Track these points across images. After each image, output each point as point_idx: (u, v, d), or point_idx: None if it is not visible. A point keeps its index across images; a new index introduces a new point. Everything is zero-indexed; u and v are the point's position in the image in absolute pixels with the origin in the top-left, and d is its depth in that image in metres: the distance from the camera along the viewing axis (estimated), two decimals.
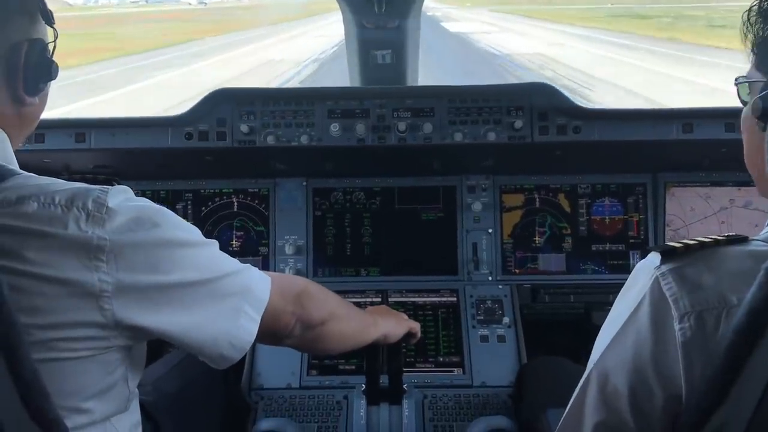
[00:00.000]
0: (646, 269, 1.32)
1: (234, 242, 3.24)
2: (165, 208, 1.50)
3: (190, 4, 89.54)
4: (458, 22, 51.91)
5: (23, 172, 1.46)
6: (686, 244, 1.28)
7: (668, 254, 1.28)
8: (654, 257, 1.31)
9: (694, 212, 3.20)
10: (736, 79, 1.45)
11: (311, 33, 40.32)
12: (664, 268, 1.27)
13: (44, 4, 1.55)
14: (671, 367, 1.24)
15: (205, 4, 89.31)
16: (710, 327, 1.20)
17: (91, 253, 1.34)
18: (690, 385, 1.21)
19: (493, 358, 2.95)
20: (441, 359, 2.97)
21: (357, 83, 3.43)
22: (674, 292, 1.24)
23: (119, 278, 1.37)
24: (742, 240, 1.28)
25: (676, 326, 1.22)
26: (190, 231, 1.54)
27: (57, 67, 1.57)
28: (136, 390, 1.62)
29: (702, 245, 1.27)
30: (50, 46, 1.56)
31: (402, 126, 2.98)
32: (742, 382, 1.14)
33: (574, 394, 1.45)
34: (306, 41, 35.05)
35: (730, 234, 1.30)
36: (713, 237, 1.29)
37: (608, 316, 1.43)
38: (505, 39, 34.88)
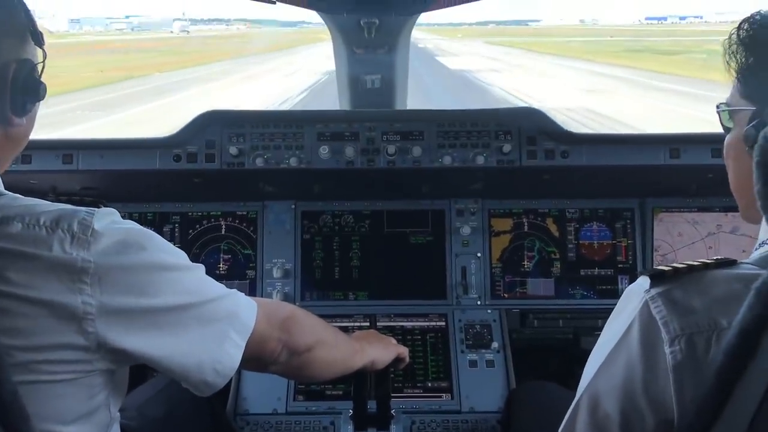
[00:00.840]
0: (636, 293, 1.33)
1: (221, 265, 3.21)
2: (152, 232, 1.50)
3: (171, 32, 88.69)
4: (457, 57, 46.98)
5: (9, 193, 1.45)
6: (675, 268, 1.28)
7: (657, 278, 1.29)
8: (643, 281, 1.32)
9: (682, 237, 3.21)
10: (717, 106, 1.47)
11: (283, 69, 36.01)
12: (654, 291, 1.28)
13: (35, 25, 1.54)
14: (662, 391, 1.24)
15: (188, 32, 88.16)
16: (701, 350, 1.20)
17: (75, 275, 1.33)
18: (681, 408, 1.21)
19: (482, 383, 2.93)
20: (429, 384, 2.94)
21: (347, 107, 3.45)
22: (664, 315, 1.24)
23: (103, 301, 1.36)
24: (730, 263, 1.29)
25: (667, 349, 1.22)
26: (177, 255, 1.53)
27: (45, 87, 1.55)
28: (118, 414, 1.60)
29: (691, 269, 1.28)
30: (39, 67, 1.55)
31: (391, 149, 2.99)
32: (734, 404, 1.14)
33: (565, 420, 1.44)
34: (271, 82, 30.48)
35: (719, 257, 1.30)
36: (702, 261, 1.30)
37: (598, 341, 1.43)
38: (521, 81, 29.25)
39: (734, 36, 1.37)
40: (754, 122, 1.31)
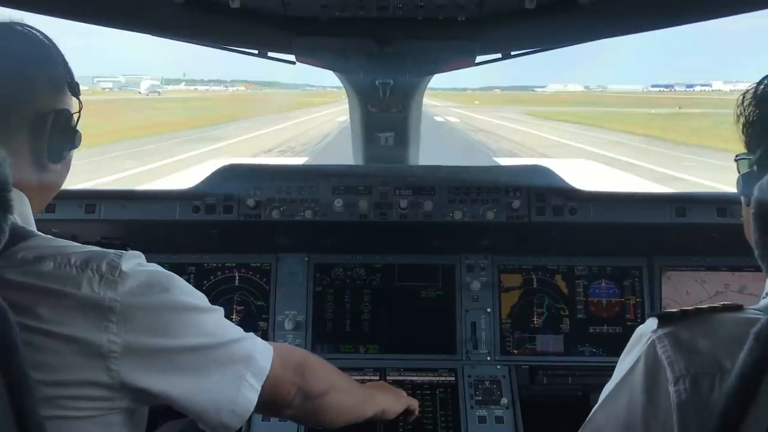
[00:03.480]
0: (644, 333, 1.38)
1: (234, 316, 3.23)
2: (175, 275, 1.55)
3: (139, 92, 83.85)
4: (551, 158, 25.15)
5: (41, 234, 1.51)
6: (683, 310, 1.34)
7: (665, 319, 1.34)
8: (652, 322, 1.37)
9: (690, 296, 3.23)
10: (736, 156, 1.54)
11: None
12: (661, 331, 1.33)
13: (72, 77, 1.64)
14: (661, 429, 1.27)
15: (159, 93, 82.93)
16: (705, 390, 1.24)
17: (102, 314, 1.38)
18: None
19: None
20: None
21: (360, 162, 3.54)
22: (669, 355, 1.29)
23: (127, 340, 1.40)
24: (737, 308, 1.34)
25: (671, 389, 1.26)
26: (198, 297, 1.58)
27: (80, 136, 1.66)
28: None
29: (698, 311, 1.33)
30: (75, 117, 1.65)
31: (403, 203, 3.07)
32: None
33: None
34: None
35: (726, 302, 1.35)
36: (709, 305, 1.34)
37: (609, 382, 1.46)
38: None
39: (750, 92, 1.45)
40: (743, 173, 1.40)
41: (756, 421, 1.16)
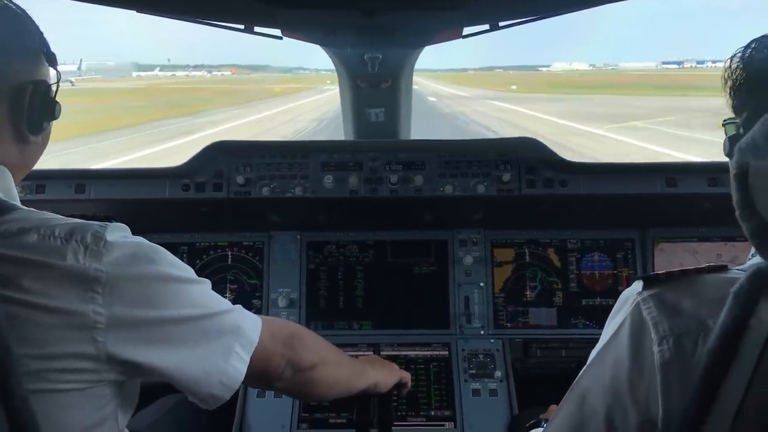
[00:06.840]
0: (630, 295, 1.39)
1: (228, 295, 3.24)
2: (160, 247, 1.54)
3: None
4: None
5: (24, 207, 1.51)
6: (668, 272, 1.34)
7: (650, 281, 1.34)
8: (637, 284, 1.37)
9: (683, 267, 3.21)
10: (724, 121, 1.53)
11: None
12: (646, 293, 1.33)
13: (48, 47, 1.62)
14: (646, 390, 1.28)
15: (72, 83, 72.04)
16: (688, 350, 1.24)
17: (87, 285, 1.37)
18: (667, 406, 1.24)
19: (485, 412, 2.93)
20: (433, 413, 2.94)
21: (351, 138, 3.53)
22: (654, 316, 1.29)
23: (113, 311, 1.39)
24: (721, 268, 1.33)
25: (655, 349, 1.26)
26: (184, 269, 1.57)
27: (60, 107, 1.63)
28: (126, 430, 1.62)
29: (683, 273, 1.33)
30: (54, 87, 1.63)
31: (394, 178, 3.06)
32: (719, 403, 1.17)
33: (553, 415, 1.49)
34: None
35: (711, 263, 1.35)
36: (695, 267, 1.34)
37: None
38: None
39: (738, 54, 1.42)
40: (731, 135, 1.38)
41: (737, 379, 1.16)
